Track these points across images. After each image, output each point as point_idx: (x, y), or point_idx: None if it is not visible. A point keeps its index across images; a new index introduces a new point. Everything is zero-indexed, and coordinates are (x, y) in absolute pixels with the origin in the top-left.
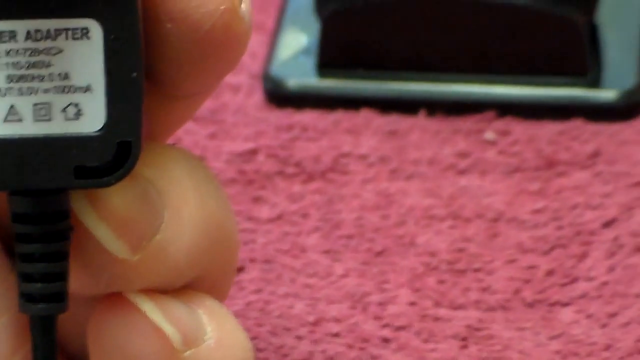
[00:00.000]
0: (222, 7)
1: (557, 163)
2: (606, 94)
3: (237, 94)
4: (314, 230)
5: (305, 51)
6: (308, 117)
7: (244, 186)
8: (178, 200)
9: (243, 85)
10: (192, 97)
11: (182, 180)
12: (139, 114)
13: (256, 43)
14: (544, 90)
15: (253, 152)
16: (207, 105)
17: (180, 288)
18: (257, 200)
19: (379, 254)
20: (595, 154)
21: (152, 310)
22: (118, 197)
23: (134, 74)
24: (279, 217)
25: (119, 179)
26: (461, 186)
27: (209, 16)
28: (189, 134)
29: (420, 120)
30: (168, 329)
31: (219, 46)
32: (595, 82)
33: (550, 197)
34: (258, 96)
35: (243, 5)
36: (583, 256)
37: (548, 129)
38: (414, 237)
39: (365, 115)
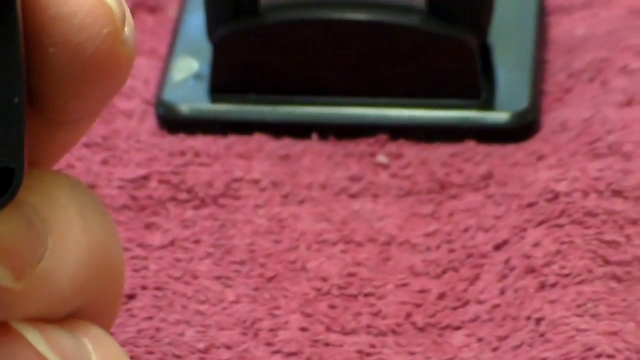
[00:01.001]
0: (105, 31)
1: (449, 186)
2: (498, 116)
3: (129, 119)
4: (206, 256)
5: (197, 76)
6: (200, 142)
7: (136, 212)
8: (62, 227)
9: (136, 111)
10: (77, 122)
11: (67, 207)
12: (22, 140)
13: (149, 68)
14: (436, 113)
15: (145, 178)
16: (100, 131)
17: (65, 317)
18: (149, 226)
19: (271, 279)
20: (488, 176)
21: (36, 339)
22: (1, 224)
23: (16, 99)
24: (171, 244)
25: (1, 206)
26: (353, 210)
27: (91, 40)
28: (81, 160)
29: (313, 144)
30: (52, 358)
31: (102, 70)
32: (487, 104)
33: (442, 220)
34: (151, 122)
35: (126, 29)
36: (474, 279)
37: (440, 152)
38: (306, 262)
39: (257, 140)
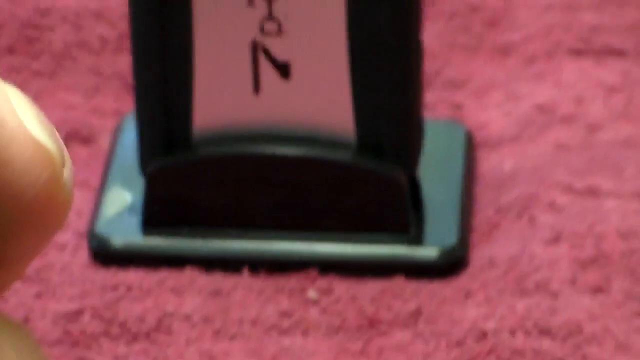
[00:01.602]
0: (45, 176)
1: (378, 322)
2: (427, 252)
3: (63, 252)
4: None
5: (130, 209)
6: (133, 276)
7: (69, 347)
8: None
9: (69, 244)
10: (17, 263)
11: (8, 353)
12: None
13: (82, 200)
14: (365, 248)
15: (78, 312)
16: (33, 264)
17: None
18: None
19: None
20: (417, 313)
21: None
22: None
23: None
24: None
25: None
26: (284, 347)
27: (31, 185)
28: (15, 293)
29: (244, 278)
30: None
31: (42, 214)
32: (416, 240)
33: (371, 358)
34: (84, 254)
35: (65, 172)
36: None
37: (370, 287)
38: None
39: (189, 274)
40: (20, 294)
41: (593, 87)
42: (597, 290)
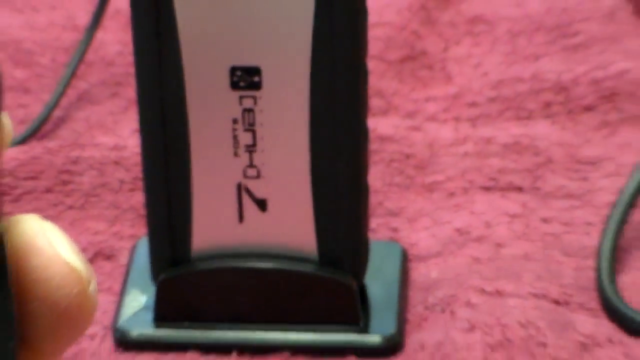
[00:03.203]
0: (75, 291)
1: None
2: (373, 339)
3: (92, 341)
4: None
5: (145, 308)
6: (147, 358)
7: None
8: None
9: (97, 335)
10: (52, 354)
11: None
12: None
13: (107, 302)
14: (326, 336)
15: None
16: (69, 350)
17: None
18: None
19: None
20: None
21: None
22: None
23: (10, 344)
24: None
25: None
26: None
27: (65, 297)
28: None
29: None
30: None
31: (73, 319)
32: (364, 329)
33: None
34: (109, 343)
35: (91, 286)
36: None
37: None
38: None
39: (190, 357)
40: None
41: (499, 215)
42: None
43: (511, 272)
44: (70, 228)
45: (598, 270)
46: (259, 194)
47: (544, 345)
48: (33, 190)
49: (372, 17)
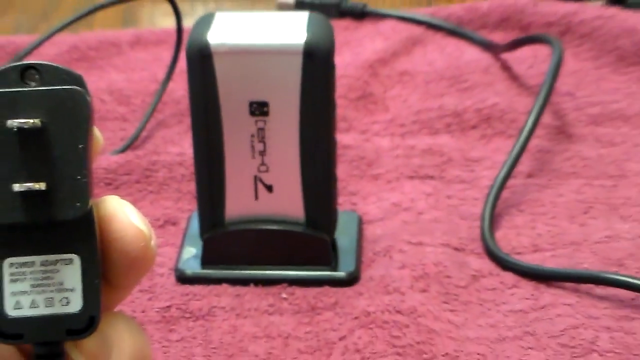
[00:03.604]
0: (142, 244)
1: (317, 308)
2: (340, 274)
3: (162, 277)
4: None
5: (196, 256)
6: (196, 289)
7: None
8: (120, 341)
9: (165, 273)
10: (125, 288)
11: (123, 331)
12: (99, 300)
13: (171, 252)
14: (311, 273)
15: (169, 306)
16: (145, 284)
17: None
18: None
19: None
20: (335, 303)
21: None
22: (89, 342)
23: (96, 281)
24: None
25: (90, 334)
26: (270, 320)
27: (134, 249)
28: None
29: (252, 289)
30: None
31: (139, 264)
32: (335, 268)
33: (313, 325)
34: (172, 279)
35: (152, 242)
36: None
37: (313, 291)
38: None
39: (224, 287)
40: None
41: (419, 194)
42: (424, 290)
43: (427, 230)
44: (150, 205)
45: (482, 228)
46: (268, 181)
47: (449, 277)
48: (127, 181)
49: (340, 72)
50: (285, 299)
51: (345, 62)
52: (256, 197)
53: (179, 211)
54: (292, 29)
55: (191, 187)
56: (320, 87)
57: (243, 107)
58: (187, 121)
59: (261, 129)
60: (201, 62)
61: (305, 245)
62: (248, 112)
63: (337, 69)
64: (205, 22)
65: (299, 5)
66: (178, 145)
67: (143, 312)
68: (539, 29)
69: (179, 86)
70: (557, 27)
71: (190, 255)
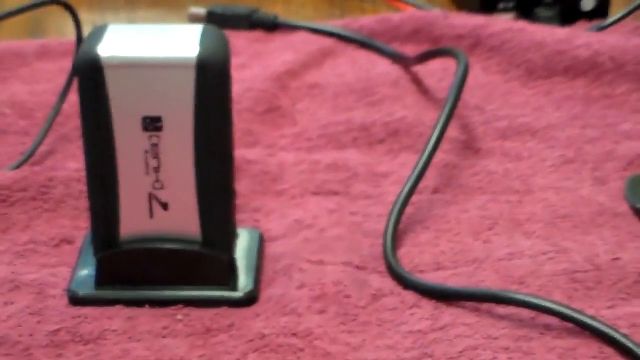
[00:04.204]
0: None
1: (213, 330)
2: (238, 294)
3: (54, 299)
4: None
5: (90, 276)
6: (89, 310)
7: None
8: None
9: (57, 295)
10: None
11: None
12: None
13: (66, 272)
14: (208, 292)
15: (59, 329)
16: (45, 303)
17: None
18: None
19: None
20: (231, 324)
21: None
22: None
23: None
24: None
25: None
26: (163, 342)
27: None
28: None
29: (147, 310)
30: None
31: None
32: (233, 288)
33: (207, 349)
34: (65, 300)
35: None
36: None
37: (209, 313)
38: None
39: (118, 308)
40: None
41: (322, 210)
42: (322, 311)
43: (329, 248)
44: (45, 223)
45: (384, 245)
46: (163, 199)
47: (348, 296)
48: (22, 198)
49: (247, 84)
50: (180, 320)
51: (254, 74)
52: (151, 215)
53: (76, 229)
54: (185, 42)
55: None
56: (215, 101)
57: (136, 122)
58: None
59: (155, 145)
60: (91, 75)
61: (202, 265)
62: (141, 127)
63: (245, 82)
64: (96, 34)
65: (210, 16)
66: (78, 161)
67: (31, 335)
68: (450, 42)
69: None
70: (467, 39)
71: (84, 275)
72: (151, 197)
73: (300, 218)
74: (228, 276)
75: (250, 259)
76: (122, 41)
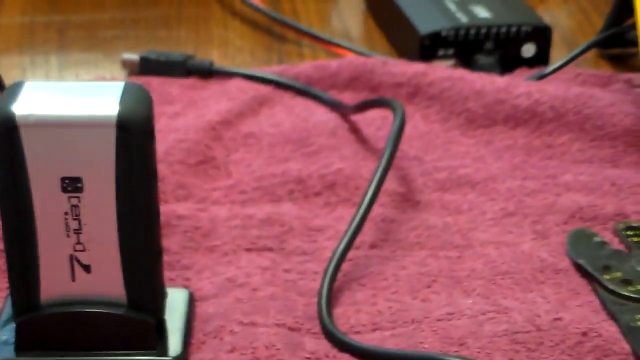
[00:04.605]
0: None
1: None
2: (166, 359)
3: None
4: None
5: (9, 342)
6: None
7: None
8: None
9: None
10: None
11: None
12: None
13: None
14: (138, 358)
15: None
16: None
17: None
18: None
19: None
20: None
21: None
22: None
23: None
24: None
25: None
26: None
27: None
28: None
29: None
30: None
31: None
32: (162, 353)
33: None
34: None
35: None
36: None
37: None
38: None
39: None
40: None
41: (256, 268)
42: None
43: (262, 308)
44: None
45: (319, 305)
46: (85, 261)
47: None
48: None
49: (180, 135)
50: None
51: (187, 124)
52: (73, 278)
53: None
54: (106, 100)
55: None
56: (137, 159)
57: (54, 183)
58: None
59: (75, 206)
60: (6, 134)
61: (128, 328)
62: (60, 188)
63: (179, 132)
64: (13, 91)
65: (144, 62)
66: None
67: None
68: (389, 89)
69: None
70: (406, 87)
71: (4, 340)
72: (72, 258)
73: (233, 276)
74: (156, 340)
75: (180, 321)
76: (39, 99)
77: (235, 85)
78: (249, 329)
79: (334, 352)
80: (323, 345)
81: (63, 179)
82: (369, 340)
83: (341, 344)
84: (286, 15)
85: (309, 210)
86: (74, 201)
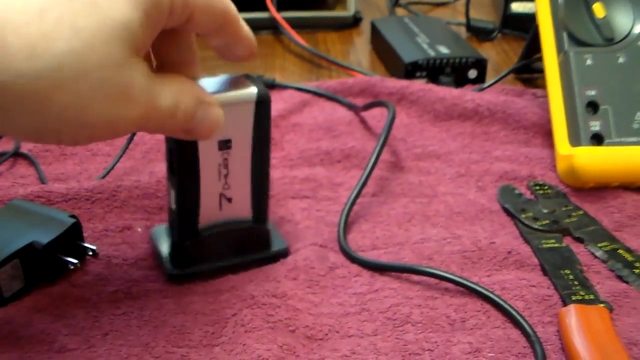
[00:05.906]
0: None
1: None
2: (275, 252)
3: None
4: None
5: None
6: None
7: None
8: None
9: (151, 275)
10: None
11: None
12: None
13: (126, 250)
14: (257, 255)
15: None
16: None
17: None
18: None
19: None
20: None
21: None
22: None
23: None
24: None
25: None
26: None
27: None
28: None
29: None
30: None
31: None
32: (271, 250)
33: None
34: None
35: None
36: None
37: (251, 273)
38: None
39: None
40: None
41: (298, 209)
42: (294, 278)
43: (301, 234)
44: (115, 216)
45: (338, 232)
46: (228, 195)
47: (313, 268)
48: (100, 198)
49: None
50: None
51: None
52: (220, 208)
53: (134, 220)
54: (244, 86)
55: (143, 203)
56: (265, 124)
57: (213, 145)
58: (152, 156)
59: (225, 159)
60: None
61: (254, 236)
62: (217, 147)
63: None
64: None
65: None
66: (138, 175)
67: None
68: (385, 96)
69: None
70: (396, 95)
71: (166, 257)
72: (221, 195)
73: (283, 215)
74: (270, 242)
75: (274, 229)
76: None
77: (288, 94)
78: (294, 245)
79: (347, 263)
80: (340, 258)
81: (219, 142)
82: (369, 255)
83: (352, 258)
84: (321, 51)
85: (332, 172)
86: (225, 155)
